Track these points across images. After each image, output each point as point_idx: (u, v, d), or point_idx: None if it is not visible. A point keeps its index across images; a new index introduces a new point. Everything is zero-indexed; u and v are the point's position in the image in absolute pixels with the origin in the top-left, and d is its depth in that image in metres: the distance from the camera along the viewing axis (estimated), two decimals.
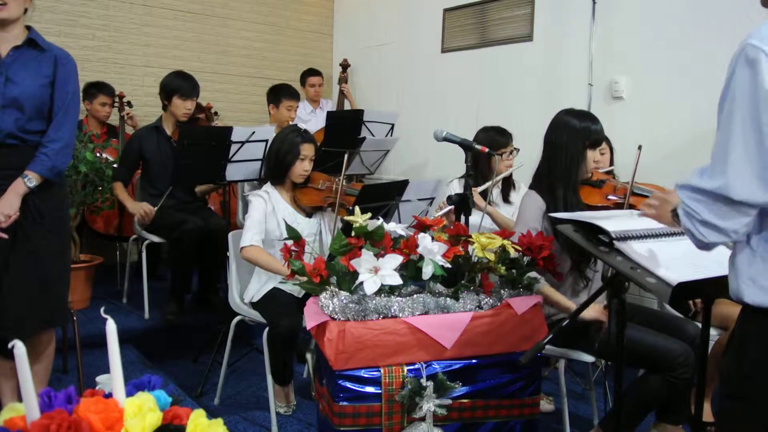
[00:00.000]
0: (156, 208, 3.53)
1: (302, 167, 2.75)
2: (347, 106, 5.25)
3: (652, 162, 2.52)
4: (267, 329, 2.54)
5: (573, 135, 2.27)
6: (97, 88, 4.20)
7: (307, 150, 2.75)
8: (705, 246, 1.25)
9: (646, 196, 2.50)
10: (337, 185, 2.79)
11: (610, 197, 2.50)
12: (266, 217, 2.69)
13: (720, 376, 1.37)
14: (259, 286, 2.70)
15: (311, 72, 5.07)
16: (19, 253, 2.18)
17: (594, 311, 2.11)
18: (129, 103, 4.48)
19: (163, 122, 3.70)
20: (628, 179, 2.55)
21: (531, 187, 2.36)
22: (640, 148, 2.53)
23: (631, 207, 2.41)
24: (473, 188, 2.84)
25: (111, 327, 0.95)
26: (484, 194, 2.85)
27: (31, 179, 2.14)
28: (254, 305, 2.69)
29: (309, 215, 2.82)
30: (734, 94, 1.16)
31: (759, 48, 1.12)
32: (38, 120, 2.18)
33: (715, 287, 1.39)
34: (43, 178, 2.17)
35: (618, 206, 2.43)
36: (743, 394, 1.26)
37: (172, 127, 3.67)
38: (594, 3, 3.88)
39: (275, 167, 2.78)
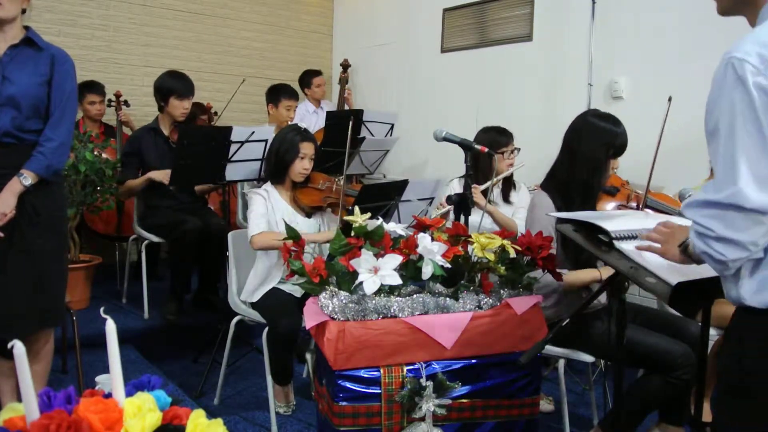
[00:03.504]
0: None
1: (302, 165, 2.75)
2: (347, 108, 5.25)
3: (651, 162, 2.51)
4: (267, 329, 2.54)
5: (597, 142, 2.19)
6: (84, 89, 4.15)
7: (307, 148, 2.75)
8: (726, 267, 1.18)
9: (660, 211, 2.47)
10: (338, 185, 2.79)
11: (625, 205, 2.43)
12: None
13: (718, 375, 1.37)
14: (256, 284, 2.70)
15: (316, 72, 5.06)
16: (15, 251, 2.17)
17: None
18: (126, 102, 4.46)
19: (159, 123, 3.69)
20: (633, 177, 2.51)
21: (543, 186, 2.32)
22: (670, 99, 2.39)
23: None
24: (474, 185, 2.84)
25: (111, 327, 0.95)
26: (485, 193, 2.85)
27: (27, 177, 2.14)
28: (254, 305, 2.69)
29: (308, 215, 2.82)
30: (732, 108, 1.13)
31: (744, 60, 1.12)
32: (35, 119, 2.18)
33: (715, 287, 1.38)
34: (39, 176, 2.16)
35: None
36: (743, 391, 1.26)
37: (169, 127, 3.66)
38: (594, 3, 3.88)
39: (275, 166, 2.78)
